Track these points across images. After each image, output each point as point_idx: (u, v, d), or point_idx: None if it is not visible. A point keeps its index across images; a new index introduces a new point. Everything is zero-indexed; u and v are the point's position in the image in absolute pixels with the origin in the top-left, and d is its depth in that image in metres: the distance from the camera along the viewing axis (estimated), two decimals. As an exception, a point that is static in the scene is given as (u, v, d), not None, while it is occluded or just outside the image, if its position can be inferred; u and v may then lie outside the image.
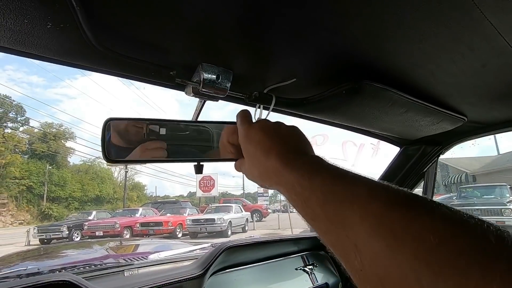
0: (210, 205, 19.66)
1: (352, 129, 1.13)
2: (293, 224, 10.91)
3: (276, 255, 1.48)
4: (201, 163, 0.66)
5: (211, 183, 23.51)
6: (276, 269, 1.44)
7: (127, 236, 13.28)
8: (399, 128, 1.07)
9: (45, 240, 13.68)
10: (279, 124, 0.49)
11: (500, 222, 9.48)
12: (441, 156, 1.38)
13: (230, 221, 13.89)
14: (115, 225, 13.68)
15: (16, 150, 32.25)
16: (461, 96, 0.88)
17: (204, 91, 0.67)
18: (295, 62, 0.69)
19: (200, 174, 0.68)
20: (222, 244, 1.28)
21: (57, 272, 1.37)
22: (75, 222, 15.23)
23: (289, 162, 0.41)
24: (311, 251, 1.62)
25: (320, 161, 0.40)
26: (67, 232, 13.97)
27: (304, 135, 0.49)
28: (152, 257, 1.65)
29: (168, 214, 15.81)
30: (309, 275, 1.50)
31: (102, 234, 13.26)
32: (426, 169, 1.39)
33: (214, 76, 0.66)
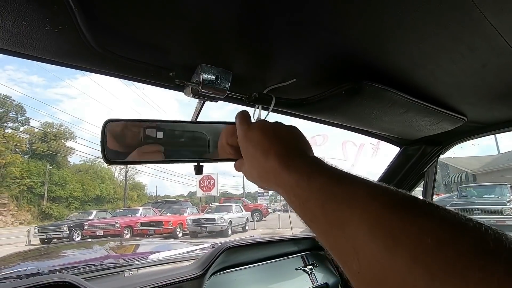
0: (210, 205, 19.68)
1: (352, 129, 1.13)
2: (293, 224, 10.92)
3: (276, 255, 1.48)
4: (201, 164, 0.66)
5: (211, 182, 23.52)
6: (276, 269, 1.44)
7: (128, 236, 13.30)
8: (399, 128, 1.07)
9: (46, 240, 13.71)
10: (278, 124, 0.49)
11: (500, 221, 9.49)
12: (441, 156, 1.38)
13: (230, 220, 13.90)
14: (116, 224, 13.70)
15: (17, 150, 32.28)
16: (461, 96, 0.88)
17: (203, 92, 0.66)
18: (295, 63, 0.69)
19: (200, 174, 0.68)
20: (222, 244, 1.28)
21: (57, 272, 1.37)
22: (76, 222, 15.25)
23: (288, 163, 0.40)
24: (311, 251, 1.62)
25: (319, 162, 0.40)
26: (68, 232, 13.98)
27: (303, 136, 0.48)
28: (152, 257, 1.65)
29: (169, 214, 15.83)
30: (309, 275, 1.50)
31: (102, 234, 13.28)
32: (426, 169, 1.39)
33: (214, 77, 0.66)
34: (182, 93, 0.72)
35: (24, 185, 30.59)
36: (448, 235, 0.24)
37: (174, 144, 0.63)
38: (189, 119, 0.77)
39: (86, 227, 14.11)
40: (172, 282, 1.05)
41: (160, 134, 0.61)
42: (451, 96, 0.87)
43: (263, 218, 21.89)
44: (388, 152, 1.39)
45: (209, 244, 1.95)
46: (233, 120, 0.57)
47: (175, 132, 0.63)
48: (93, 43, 0.49)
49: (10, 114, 33.40)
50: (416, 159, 1.36)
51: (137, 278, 1.32)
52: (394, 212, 0.28)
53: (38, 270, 1.41)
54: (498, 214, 9.77)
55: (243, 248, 1.33)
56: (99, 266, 1.45)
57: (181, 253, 1.75)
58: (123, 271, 1.40)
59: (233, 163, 0.61)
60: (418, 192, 1.56)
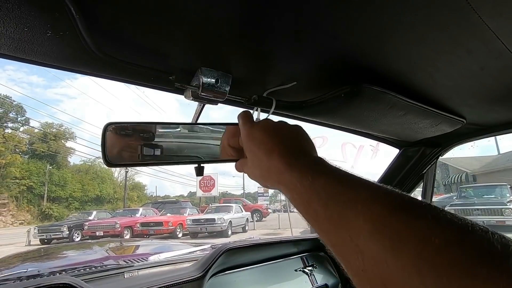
0: (210, 205, 19.68)
1: (351, 131, 1.13)
2: (293, 224, 10.92)
3: (275, 257, 1.48)
4: (202, 165, 0.66)
5: (211, 183, 23.52)
6: (275, 270, 1.45)
7: (128, 236, 13.30)
8: (398, 131, 1.07)
9: (46, 240, 13.69)
10: (282, 123, 0.49)
11: (500, 222, 9.49)
12: (441, 156, 1.38)
13: (230, 221, 13.89)
14: (116, 225, 13.69)
15: (17, 150, 32.28)
16: (460, 98, 0.88)
17: (203, 95, 0.67)
18: (294, 66, 0.70)
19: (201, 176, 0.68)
20: (222, 245, 1.29)
21: (57, 274, 1.38)
22: (76, 222, 15.24)
23: (291, 162, 0.41)
24: (311, 252, 1.62)
25: (322, 162, 0.40)
26: (68, 232, 13.98)
27: (307, 135, 0.49)
28: (152, 258, 1.65)
29: (168, 214, 15.82)
30: (308, 277, 1.51)
31: (102, 234, 13.27)
32: (425, 170, 1.39)
33: (213, 80, 0.66)
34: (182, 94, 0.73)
35: (24, 185, 30.58)
36: (455, 236, 0.25)
37: (174, 146, 0.64)
38: (189, 119, 0.78)
39: (86, 227, 14.09)
40: (172, 284, 1.05)
41: (160, 136, 0.62)
42: (449, 98, 0.87)
43: (263, 219, 21.88)
44: (389, 151, 1.39)
45: (209, 245, 1.96)
46: (233, 121, 0.58)
47: (175, 134, 0.64)
48: (94, 48, 0.50)
49: (10, 114, 33.44)
50: (416, 160, 1.36)
51: (137, 279, 1.32)
52: (400, 212, 0.28)
53: (38, 271, 1.42)
54: (498, 214, 9.77)
55: (243, 249, 1.33)
56: (99, 268, 1.45)
57: (181, 254, 1.75)
58: (123, 272, 1.40)
59: (233, 163, 0.62)
60: (417, 193, 1.56)
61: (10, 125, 33.50)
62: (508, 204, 9.92)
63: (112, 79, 0.65)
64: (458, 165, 24.03)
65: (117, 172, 42.08)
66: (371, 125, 1.02)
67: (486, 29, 0.56)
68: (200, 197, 27.85)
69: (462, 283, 0.22)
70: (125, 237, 12.74)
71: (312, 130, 0.50)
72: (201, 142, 0.66)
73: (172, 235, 13.62)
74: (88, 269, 1.43)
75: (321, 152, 0.46)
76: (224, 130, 0.74)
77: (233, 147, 0.56)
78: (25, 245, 13.14)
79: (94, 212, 18.28)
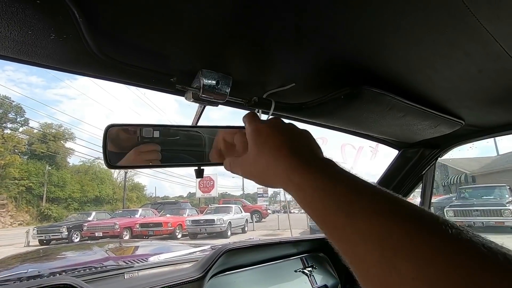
0: (209, 206, 19.66)
1: (351, 132, 1.14)
2: (293, 225, 10.92)
3: (275, 257, 1.48)
4: (202, 168, 0.66)
5: (211, 183, 23.50)
6: (275, 271, 1.45)
7: (127, 237, 13.28)
8: (398, 132, 1.08)
9: (45, 241, 13.66)
10: (291, 125, 0.49)
11: (499, 223, 9.50)
12: (440, 158, 1.39)
13: (229, 222, 13.88)
14: (115, 226, 13.67)
15: (16, 150, 32.22)
16: (459, 100, 0.88)
17: (204, 96, 0.67)
18: (294, 68, 0.70)
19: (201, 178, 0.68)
20: (222, 246, 1.29)
21: (58, 275, 1.38)
22: (75, 223, 15.21)
23: (301, 162, 0.40)
24: (310, 253, 1.62)
25: (334, 165, 0.40)
26: (67, 233, 13.95)
27: (315, 140, 0.48)
28: (152, 259, 1.65)
29: (168, 215, 15.82)
30: (308, 277, 1.51)
31: (101, 235, 13.26)
32: (424, 171, 1.39)
33: (214, 82, 0.67)
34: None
35: (23, 186, 30.52)
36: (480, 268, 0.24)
37: (175, 148, 0.64)
38: (189, 119, 0.78)
39: (85, 228, 14.07)
40: (173, 284, 1.05)
41: (163, 136, 0.62)
42: (448, 100, 0.88)
43: (263, 219, 21.88)
44: (388, 152, 1.39)
45: (209, 246, 1.96)
46: (234, 124, 0.58)
47: (176, 136, 0.64)
48: (96, 51, 0.50)
49: (9, 115, 33.39)
50: (415, 162, 1.37)
51: (137, 280, 1.32)
52: (423, 235, 0.28)
53: (39, 272, 1.42)
54: (497, 215, 9.77)
55: (243, 250, 1.33)
56: (99, 268, 1.45)
57: (181, 255, 1.75)
58: (123, 273, 1.40)
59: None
60: (416, 194, 1.57)
61: (9, 125, 33.47)
62: (507, 205, 9.93)
63: (114, 81, 0.66)
64: (457, 166, 24.04)
65: (116, 173, 42.06)
66: (370, 127, 1.02)
67: (484, 31, 0.56)
68: (199, 198, 27.82)
69: None
70: (124, 238, 12.73)
71: (312, 132, 0.50)
72: (201, 144, 0.66)
73: (171, 236, 13.61)
74: (88, 270, 1.43)
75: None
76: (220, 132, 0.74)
77: (227, 144, 0.56)
78: (24, 246, 13.11)
79: (93, 213, 18.26)
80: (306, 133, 0.48)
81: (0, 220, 27.73)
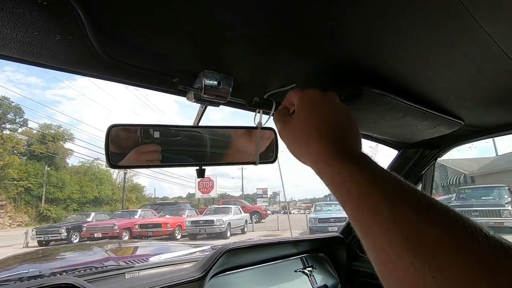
0: (209, 207, 19.64)
1: (351, 132, 1.14)
2: (292, 226, 10.91)
3: (275, 257, 1.49)
4: (203, 167, 0.67)
5: (210, 184, 23.50)
6: (275, 271, 1.45)
7: (126, 238, 13.26)
8: (397, 132, 1.09)
9: (44, 242, 13.64)
10: (346, 109, 0.51)
11: (498, 223, 9.51)
12: (439, 158, 1.39)
13: (229, 222, 13.87)
14: (114, 226, 13.66)
15: (15, 151, 32.16)
16: (458, 100, 0.89)
17: (205, 97, 0.68)
18: (295, 69, 0.71)
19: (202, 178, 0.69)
20: (223, 246, 1.30)
21: (58, 275, 1.38)
22: (74, 224, 15.19)
23: (340, 151, 0.43)
24: (310, 253, 1.63)
25: (371, 161, 0.43)
26: (66, 234, 13.93)
27: (358, 129, 0.50)
28: (153, 259, 1.65)
29: (167, 216, 15.81)
30: (308, 277, 1.51)
31: (100, 236, 13.23)
32: (424, 171, 1.40)
33: (215, 82, 0.67)
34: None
35: (22, 186, 30.46)
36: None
37: (177, 148, 0.65)
38: (189, 120, 0.79)
39: (84, 229, 14.06)
40: (173, 284, 1.06)
41: (162, 139, 0.63)
42: (448, 100, 0.89)
43: (262, 220, 21.88)
44: (388, 152, 1.40)
45: (209, 246, 1.96)
46: (234, 124, 0.59)
47: (178, 136, 0.65)
48: (100, 52, 0.51)
49: (9, 116, 33.33)
50: (414, 162, 1.37)
51: (138, 280, 1.32)
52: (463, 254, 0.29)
53: (39, 272, 1.42)
54: (496, 216, 9.78)
55: (243, 250, 1.34)
56: (100, 268, 1.45)
57: (181, 255, 1.75)
58: (124, 273, 1.40)
59: (231, 165, 0.63)
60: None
61: (8, 126, 33.43)
62: (506, 205, 9.94)
63: (117, 82, 0.67)
64: (457, 167, 24.07)
65: (116, 174, 42.04)
66: (370, 127, 1.03)
67: (483, 33, 0.57)
68: (199, 199, 27.82)
69: None
70: (123, 239, 12.71)
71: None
72: (203, 144, 0.67)
73: (170, 237, 13.60)
74: (89, 270, 1.43)
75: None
76: (225, 133, 0.75)
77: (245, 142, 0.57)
78: (23, 247, 13.08)
79: (93, 214, 18.23)
80: (352, 121, 0.50)
81: (-1, 221, 27.68)
